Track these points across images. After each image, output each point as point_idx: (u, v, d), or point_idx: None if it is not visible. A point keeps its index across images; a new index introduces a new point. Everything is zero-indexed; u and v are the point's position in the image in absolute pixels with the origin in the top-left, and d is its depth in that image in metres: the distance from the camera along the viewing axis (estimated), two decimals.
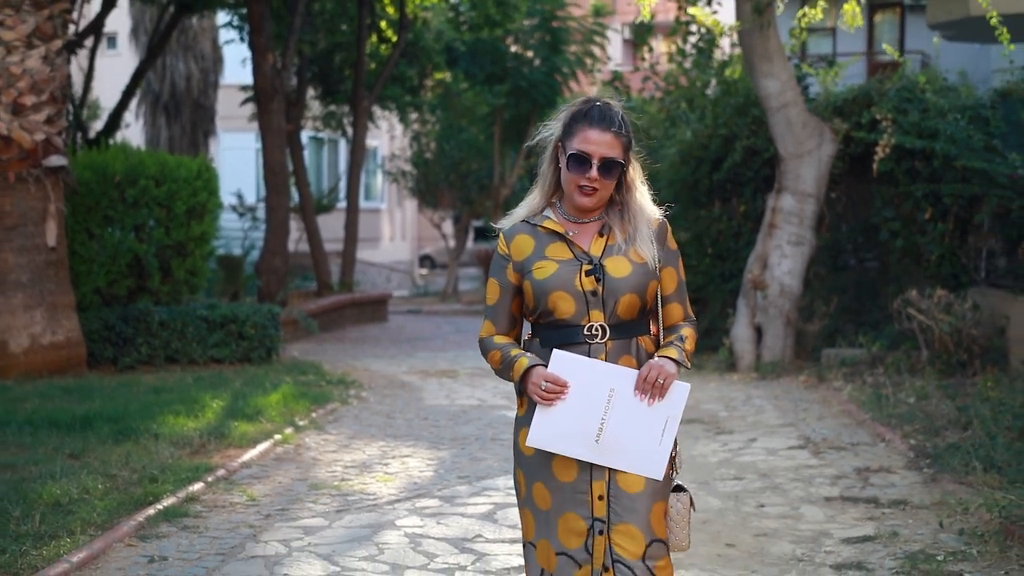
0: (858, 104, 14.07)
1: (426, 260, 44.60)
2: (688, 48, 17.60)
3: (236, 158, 32.69)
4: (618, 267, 3.66)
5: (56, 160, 11.84)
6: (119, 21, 27.89)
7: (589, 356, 3.63)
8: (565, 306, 3.64)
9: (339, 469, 8.27)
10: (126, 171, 13.24)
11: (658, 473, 3.61)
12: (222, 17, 23.86)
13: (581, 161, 3.63)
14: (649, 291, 3.69)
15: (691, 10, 15.04)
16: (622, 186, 3.74)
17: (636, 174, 3.77)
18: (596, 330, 3.64)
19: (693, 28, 17.31)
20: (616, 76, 20.70)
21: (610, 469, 3.60)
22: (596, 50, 26.30)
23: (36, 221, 11.79)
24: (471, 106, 26.70)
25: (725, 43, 18.58)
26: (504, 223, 3.81)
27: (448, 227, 33.40)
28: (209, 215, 13.88)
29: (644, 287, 3.67)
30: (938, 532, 6.47)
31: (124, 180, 13.21)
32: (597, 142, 3.62)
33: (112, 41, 32.21)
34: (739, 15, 13.33)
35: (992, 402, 8.90)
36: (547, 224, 3.72)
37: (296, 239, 22.43)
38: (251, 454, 8.43)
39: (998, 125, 13.15)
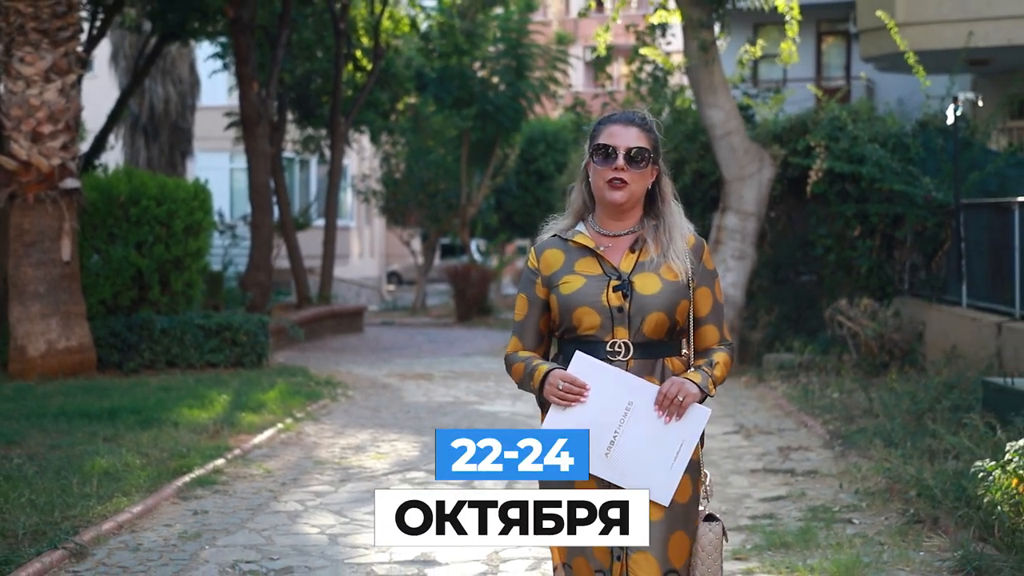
0: (795, 132, 15.54)
1: (393, 276, 45.79)
2: (644, 76, 18.99)
3: (211, 178, 33.78)
4: (647, 284, 3.53)
5: (71, 183, 13.09)
6: (98, 46, 28.96)
7: None
8: (590, 321, 3.52)
9: (337, 450, 9.60)
10: (129, 192, 14.47)
11: (664, 498, 3.45)
12: (207, 48, 25.06)
13: (607, 152, 3.55)
14: (679, 310, 3.55)
15: (643, 50, 16.47)
16: (657, 198, 3.65)
17: (669, 188, 3.67)
18: (619, 347, 3.51)
19: (649, 58, 18.70)
20: (578, 102, 22.14)
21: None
22: (559, 75, 27.66)
23: (52, 238, 13.02)
24: (439, 129, 27.84)
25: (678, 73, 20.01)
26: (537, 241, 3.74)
27: (416, 244, 34.63)
28: (204, 232, 15.15)
29: (674, 306, 3.54)
30: (838, 492, 7.89)
31: (128, 200, 14.44)
32: (621, 134, 3.55)
33: (89, 64, 33.25)
34: (686, 52, 14.76)
35: (896, 393, 10.36)
36: (578, 239, 3.62)
37: (273, 255, 23.59)
38: (260, 438, 9.74)
39: (918, 151, 14.63)
